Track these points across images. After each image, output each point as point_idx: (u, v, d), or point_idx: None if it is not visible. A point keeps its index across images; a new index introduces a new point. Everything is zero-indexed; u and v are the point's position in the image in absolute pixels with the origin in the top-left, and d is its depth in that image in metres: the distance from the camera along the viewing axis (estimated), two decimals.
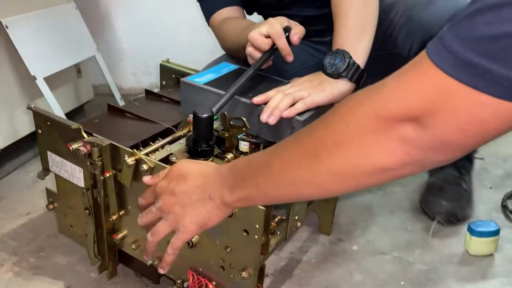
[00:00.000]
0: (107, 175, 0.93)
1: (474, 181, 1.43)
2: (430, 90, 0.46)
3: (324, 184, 0.56)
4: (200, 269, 0.92)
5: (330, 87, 0.98)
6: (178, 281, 0.96)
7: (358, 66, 0.98)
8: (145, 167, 0.86)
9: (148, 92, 1.20)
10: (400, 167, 0.50)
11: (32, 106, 1.00)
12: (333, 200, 1.21)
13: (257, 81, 1.04)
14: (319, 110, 0.98)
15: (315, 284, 1.11)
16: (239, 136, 0.98)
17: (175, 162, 0.89)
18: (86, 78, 1.97)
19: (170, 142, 0.96)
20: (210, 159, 0.89)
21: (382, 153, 0.50)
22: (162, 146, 0.95)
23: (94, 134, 0.95)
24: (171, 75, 1.28)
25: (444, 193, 1.31)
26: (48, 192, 1.11)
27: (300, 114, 0.94)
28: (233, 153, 0.96)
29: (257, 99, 0.96)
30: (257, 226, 0.79)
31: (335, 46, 1.00)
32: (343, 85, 0.98)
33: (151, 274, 1.05)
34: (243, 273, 0.84)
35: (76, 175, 1.00)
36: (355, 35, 1.00)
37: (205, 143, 0.86)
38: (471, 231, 1.15)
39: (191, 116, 0.92)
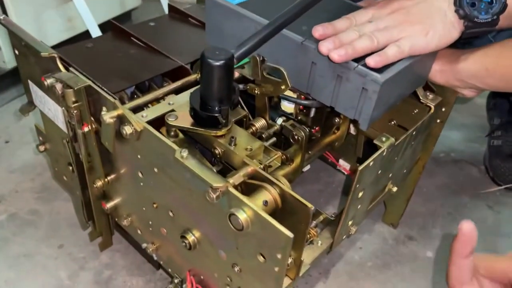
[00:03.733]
0: (85, 129, 0.66)
1: None
2: None
3: None
4: (201, 277, 0.65)
5: (440, 27, 0.59)
6: (176, 280, 0.71)
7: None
8: (127, 129, 0.57)
9: (172, 9, 0.88)
10: None
11: (1, 18, 0.72)
12: (411, 185, 0.86)
13: (319, 6, 0.66)
14: (413, 65, 0.61)
15: None
16: (283, 94, 0.64)
17: (173, 125, 0.58)
18: None
19: (177, 91, 0.65)
20: (226, 129, 0.57)
21: None
22: (164, 96, 0.64)
23: (73, 67, 0.66)
24: None
25: None
26: (38, 130, 0.87)
27: (379, 69, 0.57)
28: (265, 119, 0.64)
29: (318, 31, 0.60)
30: (279, 256, 0.49)
31: None
32: (456, 28, 0.60)
33: (151, 257, 0.81)
34: None
35: (59, 117, 0.74)
36: None
37: (218, 106, 0.54)
38: None
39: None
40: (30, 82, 0.77)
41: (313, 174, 1.07)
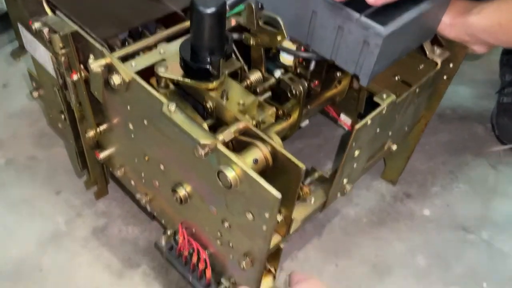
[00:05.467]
0: (75, 77, 0.63)
1: None
2: None
3: None
4: (193, 230, 0.65)
5: None
6: (169, 232, 0.71)
7: None
8: (116, 79, 0.55)
9: None
10: None
11: None
12: (413, 143, 0.84)
13: None
14: (419, 18, 0.57)
15: (359, 258, 0.81)
16: (280, 46, 0.61)
17: (163, 77, 0.56)
18: None
19: (171, 38, 0.62)
20: (218, 82, 0.54)
21: None
22: (156, 44, 0.61)
23: (60, 11, 0.63)
24: None
25: None
26: (31, 76, 0.84)
27: (382, 20, 0.54)
28: (261, 71, 0.61)
29: None
30: (267, 215, 0.48)
31: None
32: None
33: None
34: (243, 262, 0.56)
35: (49, 63, 0.71)
36: None
37: (209, 57, 0.51)
38: None
39: None
40: (20, 26, 0.74)
41: (314, 128, 1.05)
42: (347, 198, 0.89)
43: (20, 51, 0.79)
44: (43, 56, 0.72)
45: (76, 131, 0.74)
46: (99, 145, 0.75)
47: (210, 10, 0.48)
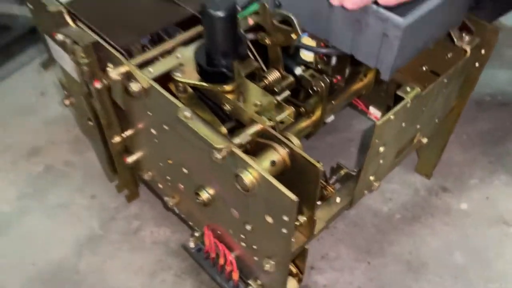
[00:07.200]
0: (98, 85, 0.64)
1: None
2: None
3: None
4: (219, 232, 0.65)
5: None
6: (197, 234, 0.71)
7: None
8: (134, 86, 0.55)
9: None
10: None
11: None
12: (446, 134, 0.80)
13: None
14: (441, 6, 0.54)
15: (392, 255, 0.79)
16: (299, 43, 0.59)
17: (179, 81, 0.56)
18: None
19: (188, 42, 0.62)
20: (234, 84, 0.54)
21: None
22: (174, 49, 0.61)
23: (81, 21, 0.64)
24: None
25: None
26: (62, 84, 0.87)
27: (400, 11, 0.51)
28: (279, 70, 0.60)
29: None
30: (286, 218, 0.47)
31: None
32: None
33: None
34: (267, 264, 0.55)
35: (75, 72, 0.73)
36: None
37: (223, 60, 0.51)
38: None
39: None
40: (46, 37, 0.76)
41: (345, 121, 1.03)
42: (379, 193, 0.87)
43: (50, 61, 0.81)
44: (70, 65, 0.74)
45: (104, 137, 0.76)
46: (126, 149, 0.77)
47: (221, 13, 0.47)
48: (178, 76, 0.56)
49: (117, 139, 0.72)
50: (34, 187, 0.96)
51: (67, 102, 0.89)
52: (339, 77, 0.69)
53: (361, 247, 0.80)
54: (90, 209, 0.92)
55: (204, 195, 0.59)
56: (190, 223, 0.73)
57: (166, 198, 0.75)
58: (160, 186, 0.75)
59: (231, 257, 0.64)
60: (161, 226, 0.87)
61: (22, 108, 1.16)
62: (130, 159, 0.76)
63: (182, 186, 0.66)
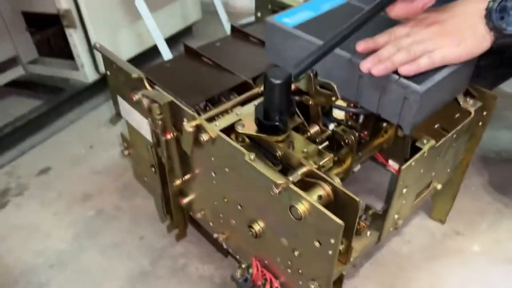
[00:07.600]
0: (168, 137, 0.79)
1: None
2: None
3: None
4: (265, 262, 0.76)
5: (472, 38, 0.67)
6: (243, 265, 0.82)
7: None
8: (204, 137, 0.69)
9: (234, 29, 1.00)
10: None
11: (97, 45, 0.87)
12: (457, 183, 0.93)
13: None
14: (450, 76, 0.69)
15: None
16: (334, 103, 0.74)
17: (241, 133, 0.70)
18: None
19: (243, 102, 0.77)
20: (285, 135, 0.68)
21: None
22: (232, 108, 0.76)
23: (157, 86, 0.80)
24: (267, 6, 1.05)
25: None
26: (123, 137, 1.02)
27: (418, 79, 0.66)
28: (318, 126, 0.74)
29: (360, 45, 0.69)
30: (332, 241, 0.58)
31: None
32: (487, 39, 0.66)
33: (221, 246, 0.93)
34: (312, 285, 0.66)
35: (144, 126, 0.88)
36: None
37: (278, 116, 0.65)
38: None
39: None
40: (118, 97, 0.92)
41: (365, 174, 1.16)
42: (399, 236, 0.98)
43: (117, 117, 0.96)
44: (138, 121, 0.89)
45: (164, 181, 0.89)
46: (182, 192, 0.90)
47: (279, 81, 0.62)
48: (240, 129, 0.70)
49: (177, 182, 0.85)
50: (88, 228, 1.08)
51: (126, 152, 1.03)
52: (365, 132, 0.82)
53: (385, 283, 0.90)
54: (139, 249, 1.03)
55: (256, 228, 0.71)
56: (237, 256, 0.84)
57: (215, 235, 0.86)
58: (211, 224, 0.87)
59: (277, 283, 0.74)
60: (205, 263, 0.97)
61: (73, 159, 1.30)
62: (186, 200, 0.88)
63: (234, 222, 0.78)
